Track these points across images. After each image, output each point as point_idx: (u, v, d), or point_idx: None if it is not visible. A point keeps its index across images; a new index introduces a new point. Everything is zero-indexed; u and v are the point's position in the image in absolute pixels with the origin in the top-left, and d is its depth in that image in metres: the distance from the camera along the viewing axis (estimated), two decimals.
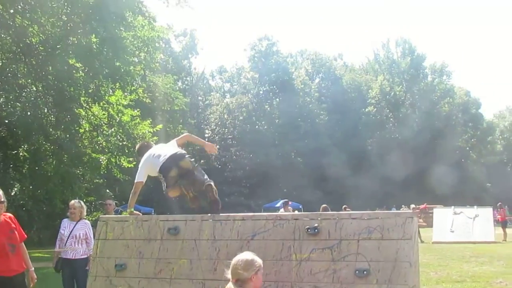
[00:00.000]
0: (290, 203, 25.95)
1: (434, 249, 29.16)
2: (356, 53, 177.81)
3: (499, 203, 41.71)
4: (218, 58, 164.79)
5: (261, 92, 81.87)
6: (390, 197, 71.09)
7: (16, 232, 7.87)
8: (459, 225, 35.85)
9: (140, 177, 8.16)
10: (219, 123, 78.24)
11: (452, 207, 39.86)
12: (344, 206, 27.76)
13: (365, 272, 6.14)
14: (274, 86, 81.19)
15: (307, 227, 6.42)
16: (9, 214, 7.94)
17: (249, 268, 5.48)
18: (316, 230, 6.44)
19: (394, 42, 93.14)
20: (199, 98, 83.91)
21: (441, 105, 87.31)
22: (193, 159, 7.98)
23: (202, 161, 73.45)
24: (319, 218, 6.60)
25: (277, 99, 79.84)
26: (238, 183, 71.46)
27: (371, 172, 71.69)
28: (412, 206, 42.41)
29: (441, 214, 38.91)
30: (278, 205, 48.12)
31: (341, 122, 75.64)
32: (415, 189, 70.04)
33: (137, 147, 9.31)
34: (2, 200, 7.64)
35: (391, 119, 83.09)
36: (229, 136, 77.70)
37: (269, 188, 67.89)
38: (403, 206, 57.91)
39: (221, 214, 7.08)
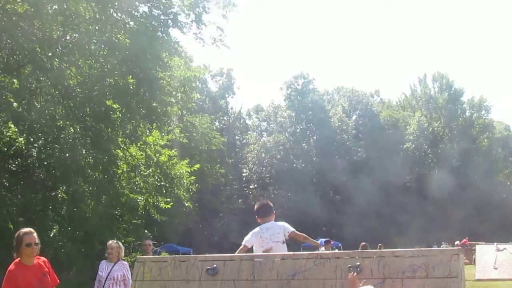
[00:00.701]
0: (332, 242, 25.69)
1: (478, 287, 28.65)
2: (393, 89, 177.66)
3: None
4: (254, 97, 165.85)
5: (298, 130, 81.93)
6: (431, 234, 70.31)
7: (48, 276, 7.80)
8: (503, 262, 34.91)
9: (247, 243, 8.80)
10: (257, 162, 78.28)
11: (495, 243, 39.17)
12: (380, 244, 27.45)
13: None
14: (311, 124, 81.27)
15: (349, 265, 6.25)
16: (43, 258, 7.88)
17: None
18: (358, 269, 6.26)
19: (431, 77, 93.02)
20: (236, 137, 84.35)
21: (480, 140, 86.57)
22: None
23: (240, 200, 73.54)
24: (361, 257, 6.43)
25: (314, 137, 79.87)
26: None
27: (411, 208, 71.21)
28: (456, 242, 41.75)
29: (484, 251, 38.05)
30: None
31: (379, 159, 75.14)
32: (457, 226, 69.28)
33: (257, 206, 9.70)
34: (37, 242, 7.59)
35: (430, 155, 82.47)
36: (267, 175, 77.67)
37: (308, 227, 67.35)
38: (443, 242, 57.30)
39: (261, 253, 6.96)
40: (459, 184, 74.55)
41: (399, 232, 66.34)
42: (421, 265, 6.12)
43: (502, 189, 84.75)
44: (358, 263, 6.28)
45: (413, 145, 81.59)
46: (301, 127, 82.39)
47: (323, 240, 28.91)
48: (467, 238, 57.99)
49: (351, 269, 6.24)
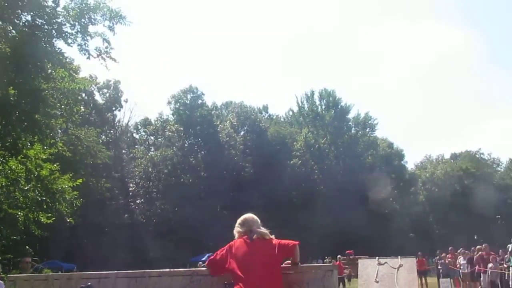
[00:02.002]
0: None
1: None
2: (281, 105, 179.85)
3: (419, 253, 42.48)
4: (142, 110, 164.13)
5: (186, 145, 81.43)
6: (314, 249, 71.09)
7: None
8: (383, 276, 36.26)
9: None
10: (144, 176, 77.39)
11: (377, 257, 40.49)
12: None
13: None
14: (199, 139, 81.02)
15: (226, 282, 6.32)
16: None
17: None
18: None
19: (318, 94, 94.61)
20: (123, 151, 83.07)
21: (365, 157, 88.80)
22: None
23: (126, 215, 72.51)
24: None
25: (202, 152, 79.59)
26: (163, 237, 70.45)
27: (295, 224, 71.98)
28: (339, 256, 42.34)
29: (366, 264, 39.28)
30: (204, 258, 47.56)
31: (266, 174, 75.80)
32: (340, 240, 70.35)
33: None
34: None
35: (316, 171, 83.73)
36: (154, 190, 76.88)
37: (195, 242, 66.93)
38: (326, 257, 58.15)
39: (137, 271, 6.80)
40: (344, 199, 75.99)
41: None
42: (297, 281, 6.20)
43: (385, 205, 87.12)
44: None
45: (300, 161, 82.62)
46: (189, 142, 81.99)
47: (209, 255, 28.86)
48: (352, 250, 59.65)
49: (227, 286, 6.31)
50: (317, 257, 66.40)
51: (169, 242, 70.58)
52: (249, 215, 7.35)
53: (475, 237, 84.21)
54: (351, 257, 55.46)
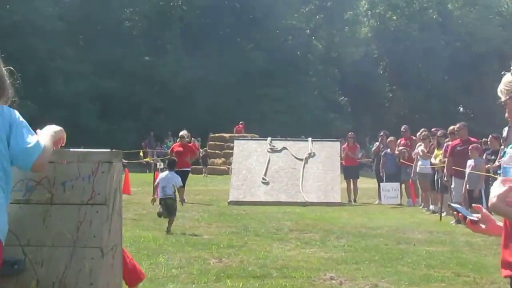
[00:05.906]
0: None
1: None
2: None
3: (350, 133, 22.04)
4: None
5: None
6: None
7: None
8: (279, 171, 19.24)
9: None
10: None
11: (269, 138, 21.35)
12: None
13: None
14: None
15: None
16: None
17: None
18: None
19: None
20: None
21: None
22: None
23: None
24: None
25: None
26: None
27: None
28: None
29: (248, 150, 20.11)
30: None
31: None
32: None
33: None
34: None
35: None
36: None
37: None
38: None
39: None
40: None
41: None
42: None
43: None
44: None
45: None
46: None
47: None
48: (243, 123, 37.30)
49: None
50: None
51: None
52: None
53: (460, 109, 57.65)
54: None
